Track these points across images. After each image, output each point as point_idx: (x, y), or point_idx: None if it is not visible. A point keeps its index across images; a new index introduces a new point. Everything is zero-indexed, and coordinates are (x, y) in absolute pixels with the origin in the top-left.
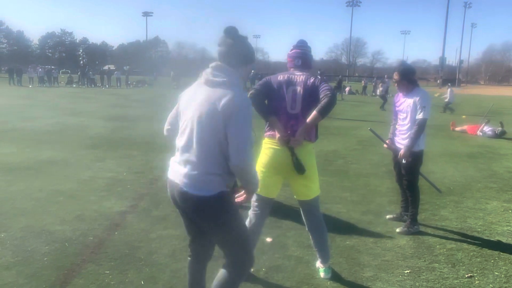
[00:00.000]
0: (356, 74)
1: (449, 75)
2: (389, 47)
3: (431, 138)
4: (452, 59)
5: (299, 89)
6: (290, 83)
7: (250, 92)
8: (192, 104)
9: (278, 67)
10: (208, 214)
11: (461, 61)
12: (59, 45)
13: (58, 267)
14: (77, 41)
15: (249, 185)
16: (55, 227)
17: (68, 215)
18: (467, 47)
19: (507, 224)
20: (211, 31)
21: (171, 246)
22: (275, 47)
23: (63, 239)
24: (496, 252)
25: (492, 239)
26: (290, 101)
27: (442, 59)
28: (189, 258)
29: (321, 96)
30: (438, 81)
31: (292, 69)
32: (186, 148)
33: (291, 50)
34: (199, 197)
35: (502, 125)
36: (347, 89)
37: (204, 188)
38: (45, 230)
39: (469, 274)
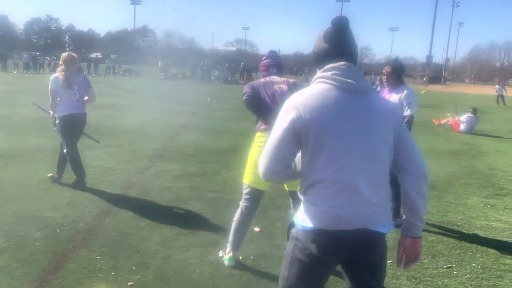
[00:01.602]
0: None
1: (436, 73)
2: (377, 44)
3: (416, 134)
4: (439, 57)
5: (284, 86)
6: (273, 83)
7: (247, 95)
8: (347, 120)
9: None
10: (384, 255)
11: (447, 60)
12: (44, 31)
13: (50, 252)
14: (63, 27)
15: (424, 209)
16: (46, 213)
17: (59, 202)
18: (454, 46)
19: (486, 218)
20: (199, 22)
21: (161, 233)
22: (264, 40)
23: (54, 225)
24: (474, 245)
25: (470, 232)
26: (280, 96)
27: (429, 57)
28: None
29: None
30: (425, 79)
31: (268, 78)
32: (360, 178)
33: (264, 59)
34: (384, 235)
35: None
36: None
37: (389, 223)
38: (36, 216)
39: (448, 265)
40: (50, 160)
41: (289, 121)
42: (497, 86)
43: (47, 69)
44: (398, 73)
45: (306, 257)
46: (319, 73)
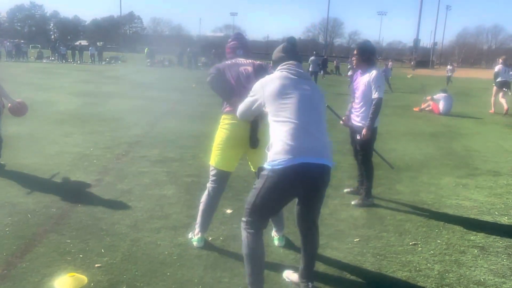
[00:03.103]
0: (334, 54)
1: (423, 57)
2: (366, 28)
3: (397, 117)
4: (427, 41)
5: (249, 68)
6: (239, 65)
7: (210, 75)
8: (300, 90)
9: (255, 46)
10: (327, 183)
11: (435, 43)
12: (28, 18)
13: (20, 236)
14: (48, 14)
15: None
16: (19, 200)
17: (32, 188)
18: (441, 30)
19: (456, 197)
20: (187, 8)
21: (133, 217)
22: (252, 25)
23: (26, 210)
24: (442, 223)
25: (440, 211)
26: (245, 77)
27: (416, 41)
28: (252, 232)
29: None
30: (412, 63)
31: (234, 60)
32: (313, 125)
33: (230, 41)
34: (330, 168)
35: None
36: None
37: (332, 160)
38: (8, 202)
39: (413, 242)
40: (27, 148)
41: (256, 95)
42: (449, 67)
43: (32, 57)
44: (365, 55)
45: (275, 186)
46: (279, 67)
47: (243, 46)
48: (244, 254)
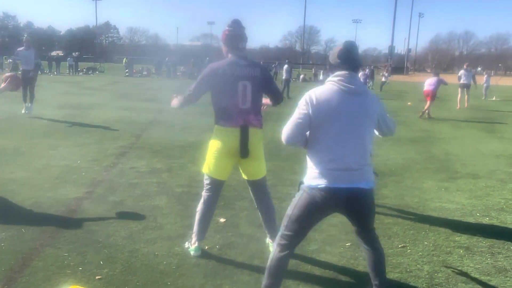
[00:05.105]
0: (311, 62)
1: (398, 63)
2: (342, 36)
3: None
4: (401, 48)
5: (248, 84)
6: (241, 77)
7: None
8: (343, 113)
9: None
10: (371, 201)
11: (409, 50)
12: (1, 29)
13: (16, 251)
14: (21, 25)
15: None
16: (10, 214)
17: (23, 203)
18: (415, 37)
19: (439, 200)
20: (163, 16)
21: (128, 228)
22: None
23: (19, 225)
24: (427, 225)
25: (425, 214)
26: (241, 96)
27: (391, 48)
28: (284, 243)
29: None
30: (388, 69)
31: (232, 55)
32: (350, 152)
33: (228, 30)
34: (365, 190)
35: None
36: (301, 76)
37: (369, 182)
38: (0, 217)
39: (402, 245)
40: (12, 162)
41: (305, 108)
42: (385, 73)
43: (7, 69)
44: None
45: (309, 204)
46: (331, 77)
47: (245, 37)
48: (268, 264)
